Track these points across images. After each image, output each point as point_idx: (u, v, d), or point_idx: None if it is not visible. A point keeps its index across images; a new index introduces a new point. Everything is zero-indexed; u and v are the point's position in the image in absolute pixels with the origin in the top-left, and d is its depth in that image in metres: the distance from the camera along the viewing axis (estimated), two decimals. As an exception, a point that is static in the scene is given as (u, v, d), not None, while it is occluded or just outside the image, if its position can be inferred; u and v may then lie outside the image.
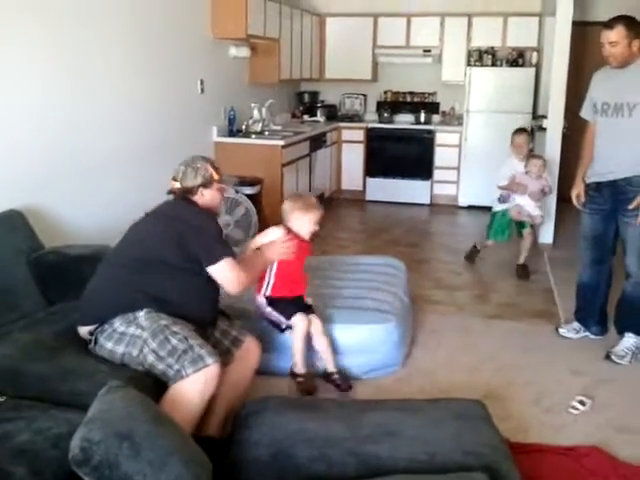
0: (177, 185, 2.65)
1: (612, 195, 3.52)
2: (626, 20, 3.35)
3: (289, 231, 3.02)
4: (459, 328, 4.02)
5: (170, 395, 2.27)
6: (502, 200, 5.17)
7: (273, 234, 2.98)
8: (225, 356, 2.61)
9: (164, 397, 2.27)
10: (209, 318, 2.69)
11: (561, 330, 3.92)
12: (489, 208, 7.15)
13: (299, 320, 2.99)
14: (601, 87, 3.60)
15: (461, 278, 5.10)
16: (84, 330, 2.55)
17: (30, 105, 3.45)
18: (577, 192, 3.73)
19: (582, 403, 3.05)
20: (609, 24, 3.38)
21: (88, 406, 2.00)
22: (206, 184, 2.63)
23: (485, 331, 3.99)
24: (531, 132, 7.17)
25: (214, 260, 2.52)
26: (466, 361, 3.52)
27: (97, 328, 2.50)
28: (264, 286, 3.06)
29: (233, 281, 2.58)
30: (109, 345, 2.45)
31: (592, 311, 3.85)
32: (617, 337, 3.70)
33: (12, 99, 3.33)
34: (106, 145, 4.12)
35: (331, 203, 7.70)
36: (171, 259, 2.52)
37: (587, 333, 3.87)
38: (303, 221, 3.04)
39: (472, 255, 5.45)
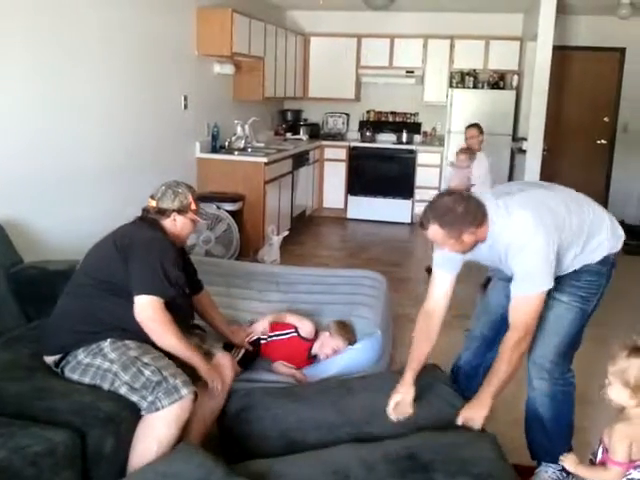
0: (153, 204, 2.64)
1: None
2: (437, 216, 2.32)
3: (297, 333, 3.17)
4: (441, 345, 4.01)
5: (148, 424, 2.23)
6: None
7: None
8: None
9: (140, 425, 2.23)
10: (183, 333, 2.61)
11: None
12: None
13: None
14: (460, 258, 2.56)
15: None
16: (49, 360, 2.48)
17: (8, 119, 3.43)
18: (397, 400, 2.50)
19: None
20: (421, 222, 2.39)
21: (64, 423, 2.01)
22: (181, 210, 2.62)
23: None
24: (511, 154, 7.29)
25: (141, 290, 2.40)
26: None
27: (61, 359, 2.44)
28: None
29: (147, 321, 2.39)
30: (75, 377, 2.38)
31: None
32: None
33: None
34: (87, 159, 4.10)
35: (312, 221, 7.72)
36: (124, 280, 2.43)
37: None
38: (333, 342, 3.17)
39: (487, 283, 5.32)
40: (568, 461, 1.92)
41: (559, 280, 2.47)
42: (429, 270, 5.32)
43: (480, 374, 2.75)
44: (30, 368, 2.43)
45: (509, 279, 2.48)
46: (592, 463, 1.96)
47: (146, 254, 2.46)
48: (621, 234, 2.66)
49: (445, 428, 2.41)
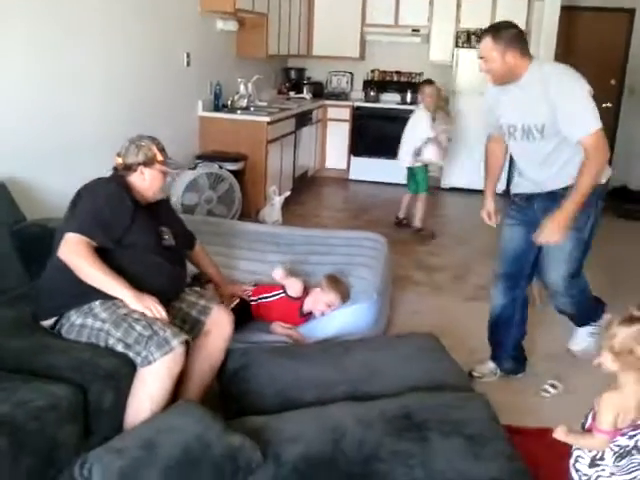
0: (119, 160, 2.66)
1: (547, 206, 2.95)
2: (494, 30, 2.81)
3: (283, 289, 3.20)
4: (437, 309, 4.08)
5: (140, 378, 2.27)
6: (417, 154, 5.72)
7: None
8: (195, 326, 2.62)
9: (135, 380, 2.27)
10: (170, 293, 2.65)
11: (475, 374, 3.29)
12: (472, 190, 7.28)
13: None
14: (500, 106, 3.02)
15: (441, 260, 5.16)
16: (45, 324, 2.52)
17: (11, 77, 3.41)
18: (487, 211, 3.30)
19: (554, 386, 3.13)
20: (479, 36, 2.95)
21: (66, 379, 2.06)
22: (147, 163, 2.62)
23: (462, 313, 4.05)
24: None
25: (69, 228, 2.42)
26: (443, 343, 3.57)
27: (56, 323, 2.48)
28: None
29: (65, 254, 2.41)
30: (71, 339, 2.41)
31: (506, 346, 3.31)
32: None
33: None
34: (89, 117, 4.09)
35: (314, 181, 7.71)
36: None
37: (503, 374, 3.34)
38: (325, 297, 3.18)
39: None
40: (558, 431, 1.95)
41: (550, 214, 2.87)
42: (398, 222, 5.60)
43: (515, 324, 3.26)
44: (31, 327, 2.47)
45: (527, 222, 3.03)
46: (584, 428, 2.00)
47: (86, 199, 2.50)
48: (609, 172, 3.00)
49: (438, 389, 2.46)
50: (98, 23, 4.09)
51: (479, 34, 7.32)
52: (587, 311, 3.40)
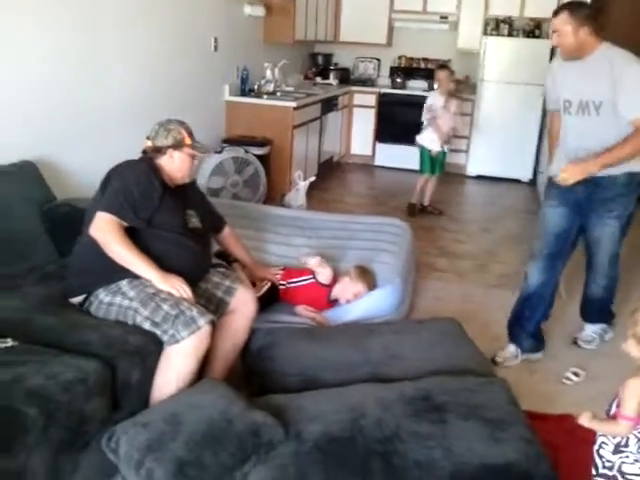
0: (149, 143, 2.70)
1: (588, 192, 3.12)
2: (570, 5, 3.01)
3: (314, 276, 3.26)
4: (460, 296, 4.09)
5: (167, 356, 2.32)
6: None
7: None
8: (220, 306, 2.67)
9: (162, 357, 2.33)
10: (196, 274, 2.69)
11: (498, 359, 3.33)
12: (497, 178, 7.27)
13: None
14: (560, 81, 3.22)
15: (465, 247, 5.15)
16: (74, 301, 2.57)
17: (40, 58, 3.45)
18: (562, 176, 3.20)
19: (576, 374, 3.14)
20: (555, 11, 3.05)
21: (95, 354, 2.12)
22: (176, 146, 2.66)
23: (485, 300, 4.05)
24: (544, 105, 7.16)
25: (100, 208, 2.48)
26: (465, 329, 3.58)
27: (85, 300, 2.54)
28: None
29: (94, 231, 2.46)
30: (100, 316, 2.47)
31: (528, 324, 3.38)
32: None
33: (22, 52, 3.33)
34: (117, 99, 4.14)
35: (339, 167, 7.72)
36: None
37: (525, 356, 3.39)
38: (354, 287, 3.24)
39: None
40: (583, 417, 1.96)
41: (607, 204, 3.13)
42: (410, 209, 5.37)
43: (545, 303, 3.38)
44: (62, 304, 2.53)
45: (567, 204, 3.19)
46: (608, 415, 2.01)
47: (116, 180, 2.55)
48: None
49: (459, 374, 2.49)
50: (129, 6, 4.13)
51: (508, 21, 7.31)
52: (607, 305, 3.55)
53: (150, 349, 2.27)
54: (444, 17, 7.65)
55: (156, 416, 1.99)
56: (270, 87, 6.17)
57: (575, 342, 3.55)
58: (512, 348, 3.37)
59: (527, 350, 3.37)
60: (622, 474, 1.93)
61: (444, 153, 6.06)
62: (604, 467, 1.97)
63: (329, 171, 7.21)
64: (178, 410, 2.00)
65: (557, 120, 3.40)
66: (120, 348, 2.19)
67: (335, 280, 3.28)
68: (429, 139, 5.87)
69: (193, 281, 2.66)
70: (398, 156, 7.74)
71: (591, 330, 3.58)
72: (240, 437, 1.92)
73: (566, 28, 2.98)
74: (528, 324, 3.36)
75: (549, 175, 3.36)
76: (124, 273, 2.46)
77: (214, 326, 2.39)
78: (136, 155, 2.77)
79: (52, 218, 3.06)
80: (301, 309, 3.17)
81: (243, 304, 2.72)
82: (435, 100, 5.85)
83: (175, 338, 2.29)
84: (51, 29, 3.50)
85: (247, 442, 1.92)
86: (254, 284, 3.07)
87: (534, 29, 7.33)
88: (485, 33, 7.45)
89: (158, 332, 2.32)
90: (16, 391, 1.80)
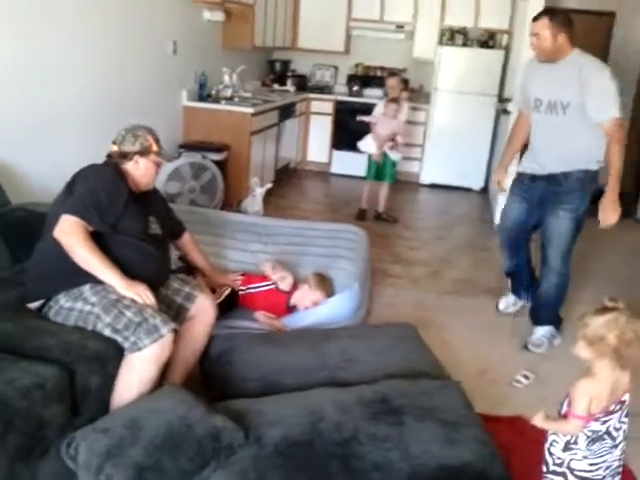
0: (115, 148, 2.70)
1: (547, 188, 3.49)
2: (551, 12, 3.35)
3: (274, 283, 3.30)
4: (414, 303, 4.17)
5: (128, 363, 2.31)
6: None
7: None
8: (180, 313, 2.67)
9: (122, 364, 2.32)
10: (157, 280, 2.68)
11: (500, 306, 4.13)
12: (451, 187, 7.45)
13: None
14: (533, 81, 3.55)
15: (419, 254, 5.24)
16: (32, 306, 2.54)
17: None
18: (498, 179, 3.92)
19: (526, 377, 3.24)
20: (535, 16, 3.38)
21: (53, 360, 2.10)
22: (143, 152, 2.67)
23: (438, 306, 4.14)
24: (496, 115, 7.35)
25: (65, 210, 2.44)
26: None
27: (43, 305, 2.51)
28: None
29: (59, 234, 2.42)
30: (59, 321, 2.44)
31: (519, 285, 4.08)
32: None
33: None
34: (72, 102, 4.09)
35: (296, 174, 7.77)
36: None
37: (522, 302, 4.10)
38: (312, 295, 3.29)
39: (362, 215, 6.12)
40: (537, 417, 2.03)
41: (561, 198, 3.43)
42: (359, 215, 6.03)
43: (526, 274, 3.98)
44: (18, 310, 2.49)
45: (529, 199, 3.60)
46: (560, 414, 2.09)
47: (82, 183, 2.54)
48: (602, 162, 3.39)
49: (414, 377, 2.54)
50: (85, 8, 4.09)
51: (463, 32, 7.48)
52: (557, 305, 3.74)
53: (110, 355, 2.25)
54: (400, 26, 7.78)
55: (116, 422, 1.99)
56: (228, 93, 6.17)
57: (525, 346, 3.67)
58: (512, 298, 4.10)
59: (524, 299, 4.05)
60: (571, 470, 2.01)
61: (393, 162, 6.13)
62: (554, 464, 2.05)
63: (286, 178, 7.24)
64: (138, 415, 2.00)
65: (524, 120, 3.72)
66: (79, 353, 2.18)
67: (295, 287, 3.31)
68: (367, 143, 6.05)
69: (154, 287, 2.65)
70: (354, 163, 7.77)
71: (540, 334, 3.71)
72: (200, 442, 1.93)
73: (545, 32, 3.29)
74: (519, 285, 4.04)
75: (518, 171, 3.72)
76: (87, 277, 2.44)
77: (177, 334, 2.39)
78: (92, 159, 2.75)
79: (7, 223, 3.01)
80: (260, 315, 3.20)
81: (203, 311, 2.73)
82: (379, 107, 6.04)
83: (137, 345, 2.28)
84: (3, 31, 3.45)
85: (207, 447, 1.93)
86: (214, 291, 3.08)
87: (488, 40, 7.52)
88: (440, 43, 7.60)
89: (119, 339, 2.32)
90: (-28, 397, 1.78)
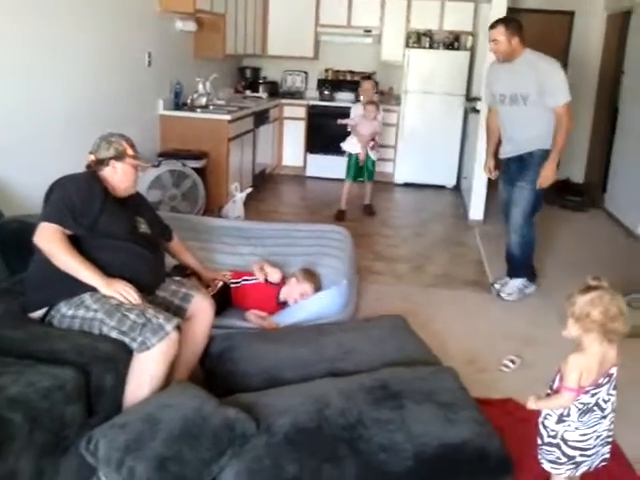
0: (92, 157, 2.78)
1: (517, 166, 4.18)
2: (505, 21, 4.00)
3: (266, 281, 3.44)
4: (399, 297, 4.30)
5: (139, 362, 2.39)
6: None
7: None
8: (178, 314, 2.72)
9: (132, 364, 2.39)
10: (150, 281, 2.75)
11: (496, 286, 4.46)
12: (424, 185, 7.64)
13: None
14: (495, 79, 4.20)
15: (399, 251, 5.38)
16: (34, 316, 2.59)
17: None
18: (488, 167, 4.52)
19: (512, 362, 3.38)
20: (492, 25, 4.00)
21: (68, 362, 2.17)
22: (118, 157, 2.75)
23: (423, 299, 4.28)
24: (465, 114, 7.54)
25: (41, 218, 2.54)
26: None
27: (46, 314, 2.57)
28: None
29: (39, 242, 2.51)
30: (63, 329, 2.50)
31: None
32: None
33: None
34: (55, 114, 4.14)
35: (272, 178, 7.87)
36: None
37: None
38: (300, 287, 3.41)
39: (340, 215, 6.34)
40: (530, 401, 2.17)
41: (522, 172, 4.12)
42: (338, 216, 6.28)
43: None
44: (22, 319, 2.55)
45: (510, 180, 4.25)
46: (552, 389, 2.22)
47: (57, 190, 2.62)
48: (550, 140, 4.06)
49: (409, 364, 2.66)
50: (62, 21, 4.15)
51: (429, 34, 7.66)
52: (525, 262, 4.40)
53: (121, 356, 2.33)
54: (368, 31, 7.95)
55: (133, 417, 2.07)
56: (203, 101, 6.25)
57: (498, 294, 4.36)
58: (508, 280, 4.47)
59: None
60: (565, 441, 2.14)
61: (373, 161, 6.40)
62: (548, 436, 2.19)
63: (263, 182, 7.34)
64: (154, 410, 2.09)
65: (493, 114, 4.40)
66: (92, 355, 2.25)
67: (284, 282, 3.41)
68: (352, 144, 6.34)
69: (151, 288, 2.74)
70: (328, 166, 7.94)
71: (513, 284, 4.37)
72: (215, 432, 2.03)
73: (501, 38, 3.93)
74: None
75: (499, 157, 4.39)
76: (86, 286, 2.51)
77: (180, 330, 2.48)
78: (76, 170, 2.82)
79: (1, 235, 3.05)
80: (250, 315, 3.29)
81: (200, 310, 2.81)
82: (356, 110, 6.39)
83: (145, 345, 2.36)
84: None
85: (222, 437, 2.02)
86: (207, 287, 3.17)
87: (453, 41, 7.72)
88: (407, 46, 7.78)
89: (126, 340, 2.39)
90: (-2, 399, 1.85)
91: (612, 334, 2.04)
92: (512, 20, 4.04)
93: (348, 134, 6.42)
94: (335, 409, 2.22)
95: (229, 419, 2.06)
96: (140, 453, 1.93)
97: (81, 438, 2.02)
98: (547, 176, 4.03)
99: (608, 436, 2.20)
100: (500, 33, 3.92)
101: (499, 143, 4.42)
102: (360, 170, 6.42)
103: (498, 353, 3.50)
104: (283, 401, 2.29)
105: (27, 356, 2.17)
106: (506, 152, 4.28)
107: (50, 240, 2.49)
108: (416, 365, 2.67)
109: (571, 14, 7.85)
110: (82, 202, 2.58)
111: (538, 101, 3.93)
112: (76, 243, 2.55)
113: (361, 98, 6.62)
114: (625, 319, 2.03)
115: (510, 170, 4.25)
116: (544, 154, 4.04)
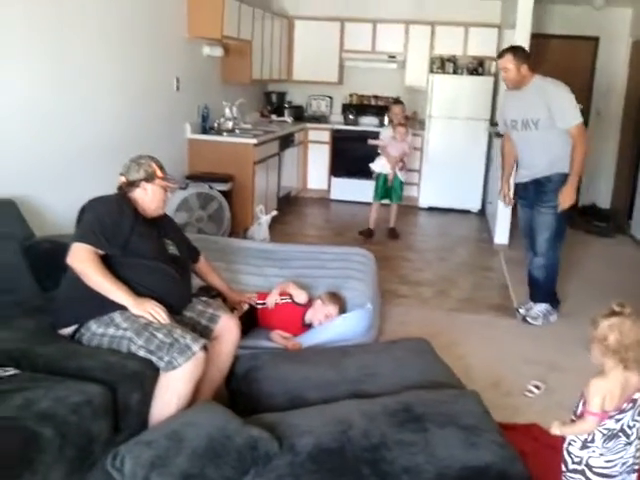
0: (123, 179, 2.86)
1: (535, 189, 4.20)
2: (513, 49, 4.10)
3: (290, 297, 3.48)
4: (423, 320, 4.30)
5: (165, 382, 2.43)
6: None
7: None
8: (205, 334, 2.77)
9: (159, 383, 2.44)
10: (178, 301, 2.81)
11: (521, 311, 4.44)
12: (449, 210, 7.65)
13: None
14: (507, 106, 4.31)
15: (424, 274, 5.38)
16: (64, 332, 2.65)
17: (16, 98, 3.57)
18: (503, 193, 4.60)
19: (537, 387, 3.36)
20: (500, 54, 4.13)
21: (96, 379, 2.22)
22: (148, 179, 2.83)
23: (447, 323, 4.27)
24: (489, 138, 7.55)
25: (74, 239, 2.62)
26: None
27: (75, 332, 2.62)
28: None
29: (72, 262, 2.58)
30: (93, 346, 2.56)
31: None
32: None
33: None
34: (87, 137, 4.25)
35: (297, 201, 7.93)
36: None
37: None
38: (325, 309, 3.44)
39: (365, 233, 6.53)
40: (554, 426, 2.15)
41: (542, 197, 4.15)
42: (366, 233, 6.50)
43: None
44: (53, 335, 2.62)
45: (528, 204, 4.31)
46: (575, 415, 2.20)
47: (88, 211, 2.71)
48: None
49: (432, 387, 2.67)
50: (98, 49, 4.28)
51: (453, 60, 7.72)
52: (548, 287, 4.39)
53: (148, 374, 2.37)
54: (392, 56, 8.03)
55: (158, 435, 2.10)
56: (229, 125, 6.34)
57: (524, 319, 4.35)
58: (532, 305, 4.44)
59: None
60: (589, 468, 2.12)
61: (401, 182, 6.52)
62: (573, 462, 2.16)
63: (287, 205, 7.41)
64: (178, 428, 2.11)
65: (507, 141, 4.46)
66: (119, 372, 2.30)
67: (310, 304, 3.44)
68: (380, 164, 6.47)
69: (178, 308, 2.78)
70: (352, 190, 8.00)
71: (537, 309, 4.36)
72: (239, 451, 2.05)
73: (510, 66, 4.02)
74: None
75: (515, 182, 4.48)
76: (116, 305, 2.57)
77: (207, 350, 2.51)
78: (107, 192, 2.90)
79: (34, 254, 3.13)
80: (275, 335, 3.32)
81: (227, 331, 2.85)
82: (386, 132, 6.54)
83: (172, 365, 2.40)
84: (25, 71, 3.62)
85: (246, 455, 2.04)
86: (233, 310, 3.21)
87: (477, 67, 7.76)
88: (431, 71, 7.84)
89: (154, 359, 2.43)
90: (28, 414, 1.90)
91: (627, 362, 2.03)
92: (519, 48, 4.16)
93: (373, 157, 6.53)
94: (358, 430, 2.23)
95: (253, 438, 2.08)
96: (165, 470, 1.95)
97: (107, 454, 2.04)
98: (565, 199, 4.05)
99: (634, 463, 2.17)
100: (509, 61, 4.01)
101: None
102: (387, 191, 6.53)
103: (522, 378, 3.48)
104: (306, 421, 2.30)
105: (56, 372, 2.22)
106: (522, 176, 4.33)
107: (83, 260, 2.56)
108: (439, 388, 2.67)
109: (596, 39, 7.86)
110: (113, 223, 2.65)
111: (549, 124, 3.99)
112: (106, 262, 2.62)
113: (388, 121, 6.84)
114: None
115: (529, 193, 4.28)
116: (562, 178, 4.06)
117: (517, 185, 4.43)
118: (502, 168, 4.63)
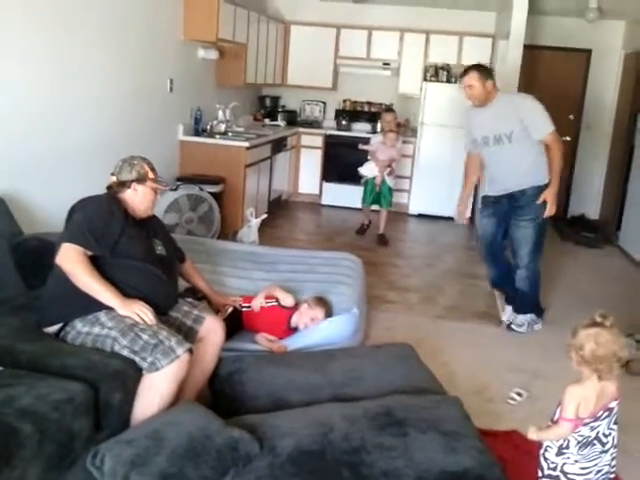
0: (114, 179, 2.87)
1: (509, 203, 4.25)
2: (476, 67, 4.13)
3: (277, 300, 3.49)
4: (409, 326, 4.32)
5: (148, 382, 2.44)
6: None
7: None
8: (189, 335, 2.79)
9: (142, 383, 2.44)
10: (165, 301, 2.82)
11: (504, 317, 4.50)
12: (438, 217, 7.70)
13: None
14: (475, 125, 4.29)
15: (411, 281, 5.40)
16: (49, 331, 2.65)
17: (7, 96, 3.56)
18: (459, 210, 4.76)
19: (519, 395, 3.38)
20: (464, 72, 4.17)
21: (78, 377, 2.23)
22: (140, 180, 2.84)
23: (433, 329, 4.29)
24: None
25: (63, 239, 2.62)
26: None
27: (60, 330, 2.63)
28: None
29: (61, 262, 2.59)
30: (77, 345, 2.56)
31: (509, 291, 4.57)
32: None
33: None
34: (79, 136, 4.25)
35: (288, 205, 7.95)
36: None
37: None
38: (311, 312, 3.46)
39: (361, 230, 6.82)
40: (530, 431, 2.18)
41: (518, 211, 4.19)
42: (360, 230, 6.75)
43: (510, 280, 4.45)
44: (37, 333, 2.62)
45: (496, 214, 4.37)
46: (552, 421, 2.22)
47: (79, 211, 2.71)
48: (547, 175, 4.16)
49: (415, 392, 2.68)
50: (93, 47, 4.29)
51: (447, 68, 7.77)
52: (532, 298, 4.42)
53: (130, 373, 2.38)
54: (386, 63, 8.08)
55: (139, 434, 2.10)
56: (222, 127, 6.36)
57: (509, 326, 4.40)
58: (509, 308, 4.53)
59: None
60: (564, 474, 2.15)
61: (389, 188, 6.62)
62: (549, 468, 2.19)
63: (278, 209, 7.42)
64: (159, 428, 2.12)
65: (474, 159, 4.51)
66: (101, 371, 2.30)
67: (296, 307, 3.46)
68: (369, 168, 6.64)
69: (164, 308, 2.80)
70: (344, 195, 8.02)
71: (522, 317, 4.40)
72: (219, 451, 2.06)
73: (476, 83, 4.06)
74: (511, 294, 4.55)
75: (483, 195, 4.55)
76: (102, 304, 2.58)
77: (192, 353, 2.52)
78: (97, 191, 2.91)
79: (20, 252, 3.12)
80: (260, 338, 3.33)
81: (211, 332, 2.86)
82: (376, 138, 6.69)
83: (155, 366, 2.41)
84: (19, 70, 3.62)
85: (226, 456, 2.05)
86: (217, 312, 3.22)
87: (470, 76, 7.79)
88: (425, 79, 7.88)
89: (137, 359, 2.44)
90: (9, 410, 1.90)
91: (601, 372, 2.06)
92: (482, 66, 4.21)
93: (365, 162, 6.62)
94: (339, 433, 2.24)
95: (233, 439, 2.09)
96: (144, 469, 1.96)
97: (87, 452, 2.05)
98: (552, 202, 4.09)
99: (609, 472, 2.20)
100: (474, 79, 4.05)
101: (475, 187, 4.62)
102: (377, 196, 6.63)
103: (506, 385, 3.50)
104: (288, 423, 2.31)
105: (39, 370, 2.23)
106: (492, 190, 4.37)
107: (72, 261, 2.57)
108: (422, 393, 2.69)
109: (588, 52, 7.93)
110: (104, 223, 2.66)
111: (523, 136, 4.03)
112: (95, 262, 2.63)
113: (380, 128, 6.96)
114: (616, 363, 2.04)
115: (501, 207, 4.31)
116: (536, 191, 4.11)
117: (485, 197, 4.49)
118: (464, 186, 4.71)
